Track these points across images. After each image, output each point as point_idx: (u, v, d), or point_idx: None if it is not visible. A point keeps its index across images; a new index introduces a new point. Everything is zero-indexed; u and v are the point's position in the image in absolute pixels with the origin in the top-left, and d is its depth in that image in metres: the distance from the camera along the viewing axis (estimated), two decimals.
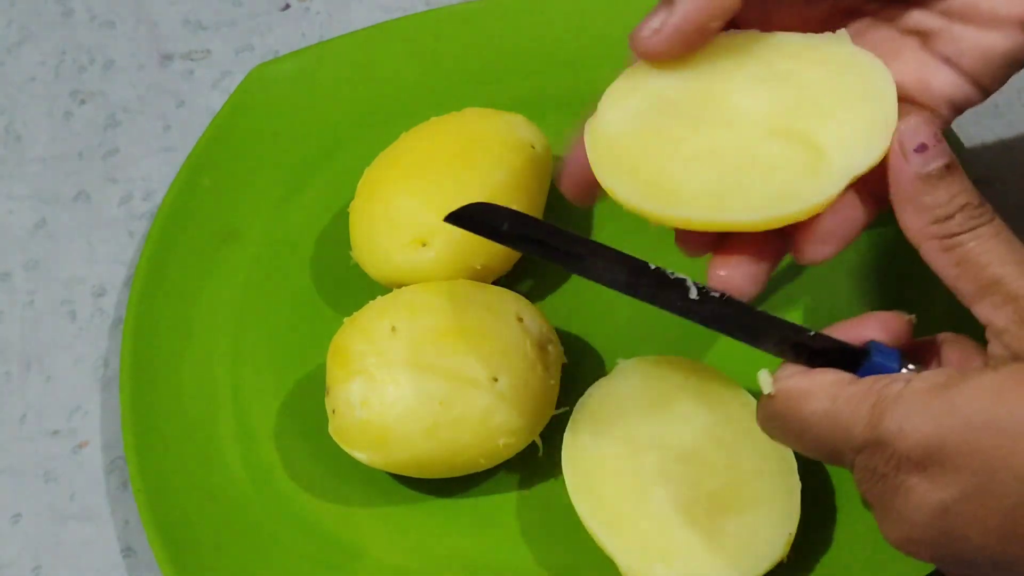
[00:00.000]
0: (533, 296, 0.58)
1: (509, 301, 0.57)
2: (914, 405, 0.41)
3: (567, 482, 0.54)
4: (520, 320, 0.56)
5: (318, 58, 0.68)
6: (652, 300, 0.46)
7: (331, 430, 0.55)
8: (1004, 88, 0.67)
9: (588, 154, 0.48)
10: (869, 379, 0.43)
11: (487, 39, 0.68)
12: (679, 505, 0.52)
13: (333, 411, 0.55)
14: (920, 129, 0.45)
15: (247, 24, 0.73)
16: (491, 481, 0.57)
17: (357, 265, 0.60)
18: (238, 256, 0.63)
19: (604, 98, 0.49)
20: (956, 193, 0.44)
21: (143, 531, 0.56)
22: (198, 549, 0.55)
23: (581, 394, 0.56)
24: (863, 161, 0.46)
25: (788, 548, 0.52)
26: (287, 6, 0.74)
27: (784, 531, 0.52)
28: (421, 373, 0.54)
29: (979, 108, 0.66)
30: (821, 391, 0.43)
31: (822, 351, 0.45)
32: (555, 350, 0.57)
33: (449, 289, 0.57)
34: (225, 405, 0.59)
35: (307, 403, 0.59)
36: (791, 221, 0.46)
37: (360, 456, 0.55)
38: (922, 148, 0.44)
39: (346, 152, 0.66)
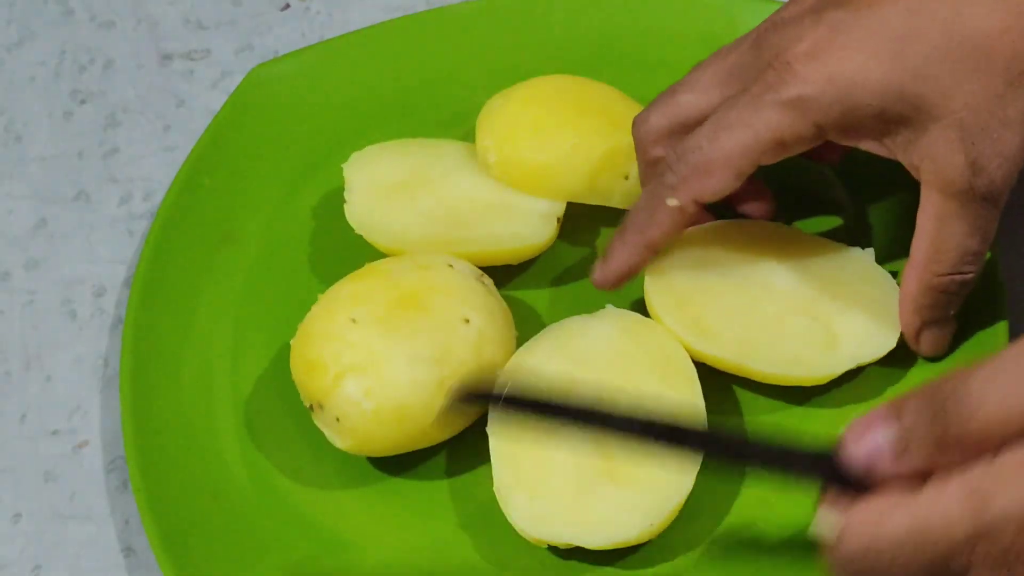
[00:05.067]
0: (531, 295, 0.58)
1: (433, 257, 0.58)
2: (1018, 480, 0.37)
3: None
4: (451, 267, 0.57)
5: (318, 58, 0.68)
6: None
7: (341, 445, 0.55)
8: None
9: (647, 285, 0.57)
10: (941, 482, 0.38)
11: (487, 39, 0.68)
12: (580, 466, 0.52)
13: (337, 419, 0.54)
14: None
15: (247, 24, 0.73)
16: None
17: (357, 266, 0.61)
18: (238, 256, 0.63)
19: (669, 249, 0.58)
20: None
21: (143, 531, 0.56)
22: (198, 549, 0.55)
23: None
24: (868, 355, 0.55)
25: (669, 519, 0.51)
26: (287, 6, 0.74)
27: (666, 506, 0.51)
28: (404, 343, 0.54)
29: None
30: (894, 512, 0.38)
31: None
32: (488, 280, 0.58)
33: (378, 268, 0.57)
34: (225, 405, 0.59)
35: None
36: (796, 383, 0.55)
37: (379, 449, 0.55)
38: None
39: (346, 152, 0.65)
